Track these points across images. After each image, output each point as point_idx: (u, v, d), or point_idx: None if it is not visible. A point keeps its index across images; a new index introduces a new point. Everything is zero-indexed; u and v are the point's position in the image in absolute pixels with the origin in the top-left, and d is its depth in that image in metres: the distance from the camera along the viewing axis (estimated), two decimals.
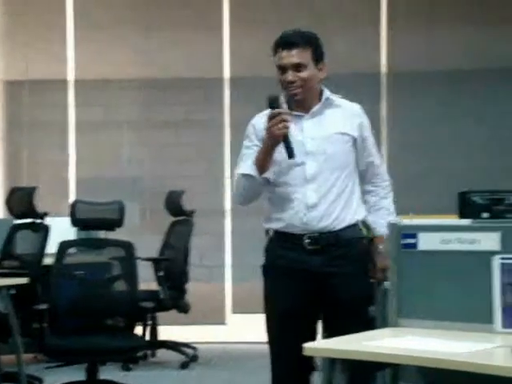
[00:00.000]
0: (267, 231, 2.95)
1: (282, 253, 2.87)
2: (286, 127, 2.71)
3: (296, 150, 2.75)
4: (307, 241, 2.82)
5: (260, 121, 2.86)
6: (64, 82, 7.01)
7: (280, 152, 2.78)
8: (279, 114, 2.71)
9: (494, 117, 6.69)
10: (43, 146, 7.08)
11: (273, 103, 2.74)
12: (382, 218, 2.86)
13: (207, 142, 7.04)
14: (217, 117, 6.95)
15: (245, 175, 2.83)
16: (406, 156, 6.59)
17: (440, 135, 6.63)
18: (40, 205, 4.91)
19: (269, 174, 2.84)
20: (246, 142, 2.91)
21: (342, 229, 2.81)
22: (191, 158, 7.05)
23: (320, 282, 2.81)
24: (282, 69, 2.82)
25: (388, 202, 2.96)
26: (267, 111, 2.80)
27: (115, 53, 7.04)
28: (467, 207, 3.57)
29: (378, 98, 6.80)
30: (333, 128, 2.89)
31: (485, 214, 3.61)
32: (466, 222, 3.00)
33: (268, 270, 2.94)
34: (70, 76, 7.04)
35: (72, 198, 6.72)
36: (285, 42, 2.81)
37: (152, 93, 6.98)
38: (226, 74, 7.00)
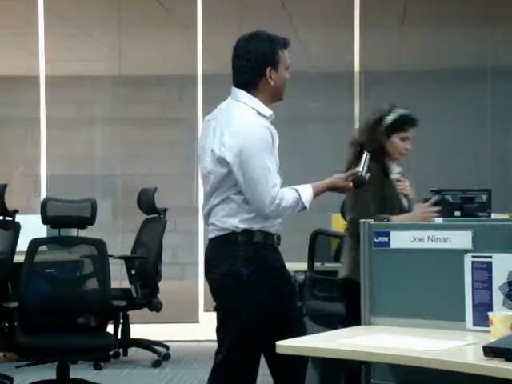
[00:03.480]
0: (247, 231, 2.78)
1: (277, 255, 2.89)
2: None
3: None
4: (277, 240, 2.89)
5: (271, 126, 2.81)
6: (35, 78, 6.94)
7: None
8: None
9: (466, 116, 6.77)
10: (14, 143, 7.00)
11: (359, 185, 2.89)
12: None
13: (180, 139, 7.02)
14: (190, 114, 6.93)
15: (304, 208, 2.80)
16: None
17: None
18: (10, 202, 4.86)
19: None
20: (269, 152, 2.75)
21: None
22: (164, 155, 7.02)
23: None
24: (288, 67, 2.86)
25: None
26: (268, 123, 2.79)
27: (87, 49, 6.99)
28: (439, 206, 3.60)
29: (352, 97, 6.84)
30: None
31: (456, 213, 3.65)
32: (438, 220, 3.03)
33: (264, 275, 2.80)
34: (42, 72, 6.97)
35: (43, 195, 6.66)
36: (288, 43, 2.86)
37: (125, 90, 6.94)
38: (200, 71, 6.99)
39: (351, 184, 2.87)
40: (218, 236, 2.81)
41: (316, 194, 2.84)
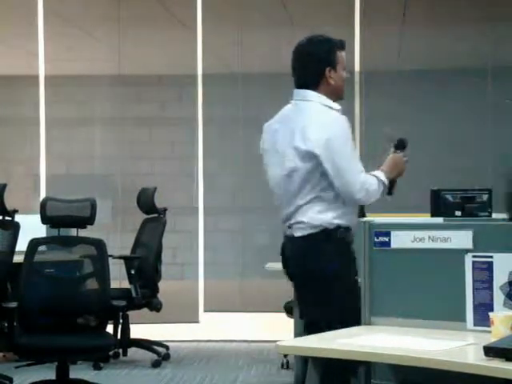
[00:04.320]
0: (339, 227, 2.91)
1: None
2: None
3: None
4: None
5: None
6: (35, 77, 6.93)
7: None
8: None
9: (466, 116, 6.76)
10: (13, 143, 7.00)
11: (400, 147, 3.06)
12: None
13: (180, 139, 7.01)
14: (190, 114, 6.92)
15: (385, 189, 2.97)
16: (379, 153, 6.61)
17: (412, 133, 6.67)
18: (10, 202, 4.85)
19: None
20: (351, 141, 2.94)
21: None
22: (164, 155, 7.02)
23: None
24: (345, 67, 3.01)
25: None
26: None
27: (87, 49, 6.98)
28: (440, 205, 3.60)
29: (352, 96, 6.83)
30: None
31: (457, 213, 3.64)
32: (438, 220, 3.02)
33: (353, 270, 2.90)
34: (41, 72, 6.96)
35: (43, 195, 6.65)
36: (344, 44, 3.02)
37: (125, 89, 6.93)
38: (200, 70, 6.98)
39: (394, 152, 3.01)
40: (310, 233, 2.90)
41: (388, 175, 2.97)
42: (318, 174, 2.88)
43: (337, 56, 2.97)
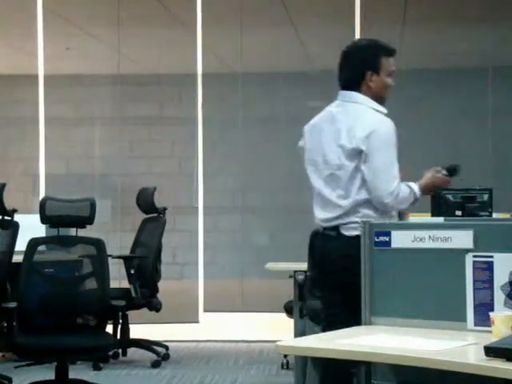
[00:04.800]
0: None
1: None
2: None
3: None
4: None
5: None
6: (34, 77, 6.93)
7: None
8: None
9: (466, 116, 6.75)
10: (13, 142, 6.99)
11: (453, 172, 3.12)
12: None
13: (180, 139, 7.01)
14: (190, 114, 6.92)
15: (416, 200, 3.00)
16: None
17: (412, 133, 6.67)
18: (9, 201, 4.84)
19: None
20: (394, 146, 2.97)
21: None
22: (163, 154, 7.01)
23: None
24: (391, 74, 3.05)
25: None
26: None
27: (86, 48, 6.98)
28: (440, 205, 3.59)
29: None
30: None
31: (457, 212, 3.64)
32: (438, 219, 3.02)
33: None
34: (41, 71, 6.95)
35: (42, 194, 6.65)
36: (393, 51, 3.07)
37: (124, 89, 6.93)
38: (199, 70, 6.98)
39: (444, 175, 3.05)
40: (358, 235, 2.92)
41: (422, 188, 3.01)
42: (361, 174, 2.94)
43: (381, 61, 3.01)
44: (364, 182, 2.93)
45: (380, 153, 2.90)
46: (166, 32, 6.88)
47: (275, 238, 7.00)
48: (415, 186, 2.99)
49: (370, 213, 2.93)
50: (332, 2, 6.82)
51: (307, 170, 3.09)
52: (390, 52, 3.04)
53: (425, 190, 3.04)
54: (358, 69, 3.00)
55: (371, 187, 2.92)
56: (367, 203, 2.94)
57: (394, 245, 2.52)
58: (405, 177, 3.02)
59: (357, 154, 2.92)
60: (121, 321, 4.90)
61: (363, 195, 2.94)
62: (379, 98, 3.02)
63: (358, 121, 2.94)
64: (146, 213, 5.73)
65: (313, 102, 7.10)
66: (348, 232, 2.96)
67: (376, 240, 2.54)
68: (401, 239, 2.51)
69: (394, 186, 2.91)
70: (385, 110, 3.01)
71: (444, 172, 3.08)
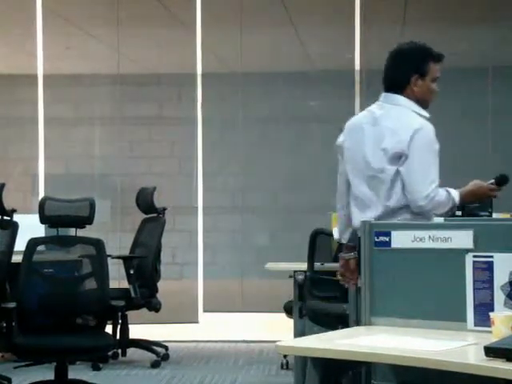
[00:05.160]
0: None
1: None
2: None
3: None
4: None
5: None
6: (34, 77, 6.92)
7: None
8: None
9: (466, 116, 6.75)
10: (12, 142, 6.99)
11: (502, 182, 3.10)
12: None
13: (179, 138, 7.00)
14: (189, 113, 6.91)
15: (454, 206, 2.98)
16: None
17: None
18: (8, 201, 4.84)
19: None
20: (434, 151, 3.00)
21: None
22: (163, 154, 7.01)
23: None
24: (435, 79, 3.07)
25: None
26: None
27: (86, 48, 6.97)
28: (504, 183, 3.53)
29: (352, 95, 6.83)
30: None
31: (457, 212, 3.63)
32: (438, 219, 3.01)
33: None
34: (40, 71, 6.95)
35: (41, 194, 6.64)
36: (441, 57, 3.08)
37: (124, 89, 6.92)
38: (199, 70, 6.97)
39: (492, 185, 3.04)
40: None
41: (463, 196, 2.99)
42: (401, 179, 2.93)
43: (428, 66, 3.02)
44: (404, 186, 2.93)
45: (418, 155, 2.91)
46: (165, 32, 6.88)
47: (275, 238, 6.99)
48: (455, 193, 2.97)
49: (408, 217, 2.92)
50: (332, 2, 6.82)
51: (346, 169, 3.07)
52: (439, 58, 3.06)
53: (466, 198, 3.02)
54: (404, 71, 3.01)
55: (408, 190, 2.92)
56: (406, 208, 2.93)
57: (393, 245, 2.52)
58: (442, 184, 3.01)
59: (398, 158, 2.93)
60: (120, 321, 4.91)
61: (402, 200, 2.93)
62: (423, 102, 3.04)
63: (400, 124, 2.95)
64: (146, 213, 5.72)
65: (313, 101, 7.11)
66: None
67: (376, 240, 2.54)
68: (401, 239, 2.51)
69: (431, 189, 2.90)
70: (427, 114, 3.04)
71: (491, 181, 3.06)
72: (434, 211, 2.94)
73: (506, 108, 6.74)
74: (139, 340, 5.61)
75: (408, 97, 3.01)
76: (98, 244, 4.05)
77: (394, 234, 2.51)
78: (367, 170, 2.98)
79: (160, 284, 5.50)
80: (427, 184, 2.90)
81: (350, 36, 6.76)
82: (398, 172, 2.93)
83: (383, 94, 3.06)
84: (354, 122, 3.09)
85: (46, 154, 6.93)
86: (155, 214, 5.64)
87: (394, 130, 2.94)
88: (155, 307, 5.36)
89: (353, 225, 3.04)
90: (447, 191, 2.96)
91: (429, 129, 2.98)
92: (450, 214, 3.00)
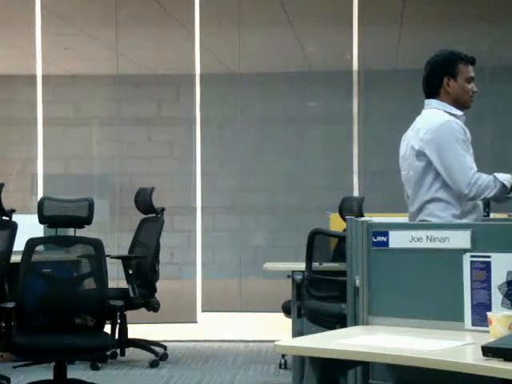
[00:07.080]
0: None
1: None
2: None
3: None
4: None
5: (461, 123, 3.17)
6: (32, 77, 6.93)
7: None
8: None
9: (466, 115, 6.75)
10: (11, 142, 6.99)
11: None
12: None
13: (178, 139, 7.01)
14: (188, 114, 6.92)
15: (503, 188, 3.04)
16: (377, 152, 6.63)
17: None
18: (7, 201, 4.84)
19: None
20: (461, 142, 3.07)
21: None
22: (162, 154, 7.01)
23: None
24: (469, 80, 3.18)
25: None
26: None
27: (85, 48, 6.98)
28: None
29: (350, 95, 6.84)
30: None
31: None
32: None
33: None
34: (39, 71, 6.95)
35: (40, 194, 6.64)
36: (471, 59, 3.20)
37: (122, 89, 6.93)
38: (198, 70, 6.98)
39: None
40: None
41: None
42: (432, 173, 3.05)
43: (458, 67, 3.14)
44: (433, 181, 3.05)
45: (446, 152, 3.03)
46: (164, 32, 6.88)
47: (273, 238, 7.00)
48: (504, 176, 3.04)
49: (441, 207, 3.03)
50: (330, 3, 6.83)
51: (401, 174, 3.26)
52: (468, 59, 3.17)
53: None
54: (436, 76, 3.15)
55: (450, 183, 3.02)
56: (435, 201, 3.05)
57: (391, 245, 2.52)
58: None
59: (423, 155, 3.07)
60: (119, 321, 4.91)
61: (431, 194, 3.05)
62: (461, 104, 3.16)
63: (425, 124, 3.10)
64: (145, 213, 5.72)
65: (311, 102, 7.12)
66: None
67: (374, 240, 2.54)
68: (398, 239, 2.51)
69: (469, 176, 3.00)
70: (459, 113, 3.14)
71: None
72: (483, 195, 3.02)
73: (504, 108, 6.75)
74: (138, 340, 5.62)
75: (443, 100, 3.15)
76: (96, 244, 4.05)
77: (391, 234, 2.52)
78: (406, 170, 3.16)
79: (159, 284, 5.51)
80: (466, 172, 3.00)
81: (349, 37, 6.77)
82: (426, 167, 3.05)
83: (425, 101, 3.22)
84: (405, 133, 3.28)
85: (44, 154, 6.94)
86: (154, 214, 5.64)
87: (419, 129, 3.10)
88: (154, 307, 5.36)
89: None
90: (494, 176, 3.05)
91: (449, 124, 3.08)
92: (503, 197, 3.05)
